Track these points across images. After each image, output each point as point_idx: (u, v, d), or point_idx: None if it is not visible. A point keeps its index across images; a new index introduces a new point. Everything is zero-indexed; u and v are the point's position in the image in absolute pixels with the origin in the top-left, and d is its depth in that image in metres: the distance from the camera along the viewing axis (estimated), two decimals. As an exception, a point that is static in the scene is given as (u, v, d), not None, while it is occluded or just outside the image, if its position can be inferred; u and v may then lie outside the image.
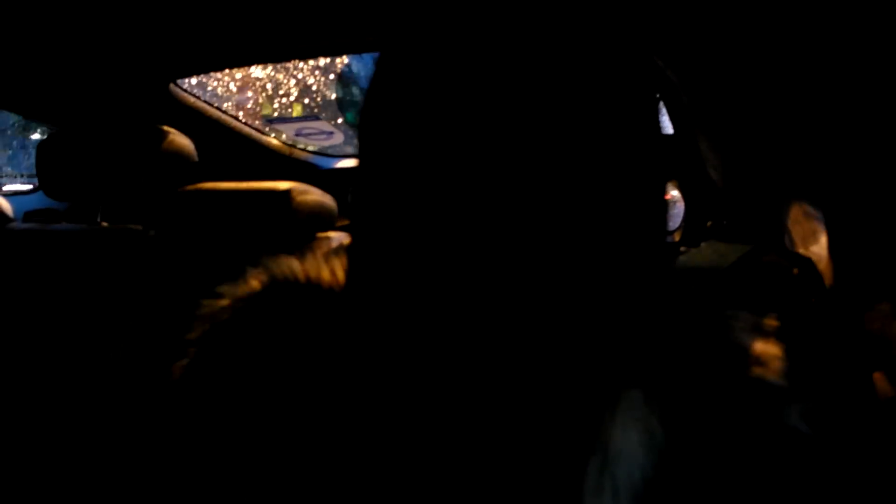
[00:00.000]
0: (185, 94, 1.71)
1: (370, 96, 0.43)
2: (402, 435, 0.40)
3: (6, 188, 3.32)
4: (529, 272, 0.37)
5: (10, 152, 5.84)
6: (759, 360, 0.41)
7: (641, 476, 0.37)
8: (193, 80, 1.88)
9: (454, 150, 0.37)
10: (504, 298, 0.38)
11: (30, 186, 2.35)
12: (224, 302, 0.49)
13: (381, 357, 0.42)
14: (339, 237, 1.22)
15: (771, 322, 0.43)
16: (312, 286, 0.48)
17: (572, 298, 0.39)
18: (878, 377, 0.61)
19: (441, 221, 0.38)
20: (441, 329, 0.40)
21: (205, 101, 1.80)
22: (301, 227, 1.20)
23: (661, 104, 1.38)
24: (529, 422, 0.39)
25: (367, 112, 0.43)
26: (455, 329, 0.40)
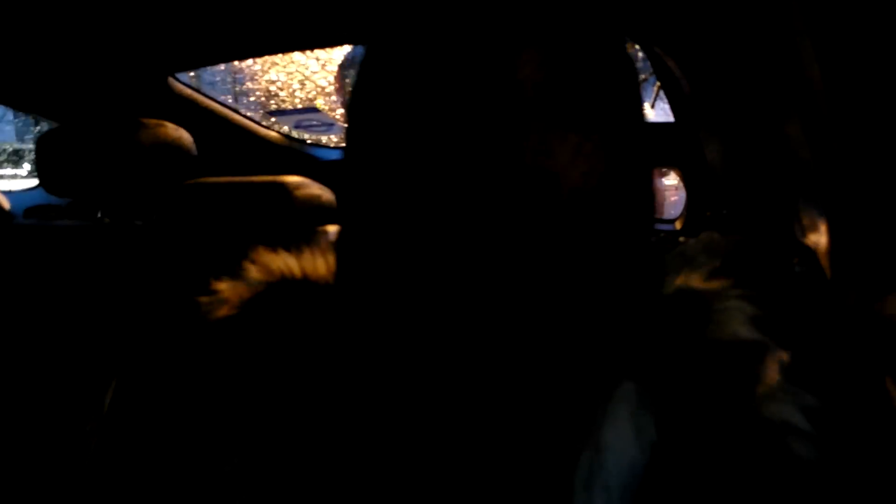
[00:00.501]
0: (184, 88, 1.71)
1: (357, 89, 0.43)
2: (395, 430, 0.40)
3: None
4: (518, 265, 0.37)
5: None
6: (755, 355, 0.40)
7: (632, 471, 0.37)
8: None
9: (441, 143, 0.37)
10: (493, 291, 0.38)
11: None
12: (223, 297, 0.49)
13: (373, 351, 0.42)
14: (337, 230, 1.21)
15: (769, 313, 0.43)
16: (310, 281, 0.49)
17: (562, 290, 0.39)
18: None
19: (428, 214, 0.38)
20: (430, 323, 0.40)
21: (203, 94, 1.80)
22: (300, 221, 1.20)
23: (663, 93, 1.37)
24: (520, 416, 0.39)
25: (353, 104, 0.43)
26: (444, 323, 0.40)
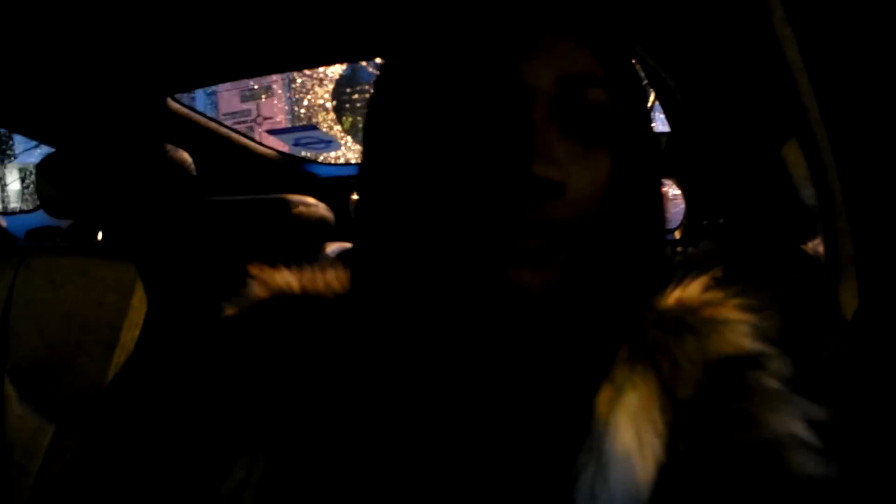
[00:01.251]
0: (182, 108, 1.72)
1: (375, 102, 0.43)
2: (396, 434, 0.40)
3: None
4: (524, 269, 0.37)
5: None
6: (759, 363, 0.40)
7: (638, 484, 0.36)
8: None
9: (452, 150, 0.38)
10: (500, 294, 0.38)
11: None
12: (225, 314, 0.50)
13: (385, 360, 0.42)
14: (336, 247, 1.22)
15: (772, 324, 0.43)
16: (308, 295, 0.49)
17: (569, 295, 0.39)
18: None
19: (439, 220, 0.38)
20: (441, 332, 0.40)
21: (201, 114, 1.80)
22: (299, 238, 1.20)
23: (658, 103, 1.38)
24: (523, 425, 0.39)
25: (371, 118, 0.44)
26: (457, 333, 0.40)
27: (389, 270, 0.42)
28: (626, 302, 0.41)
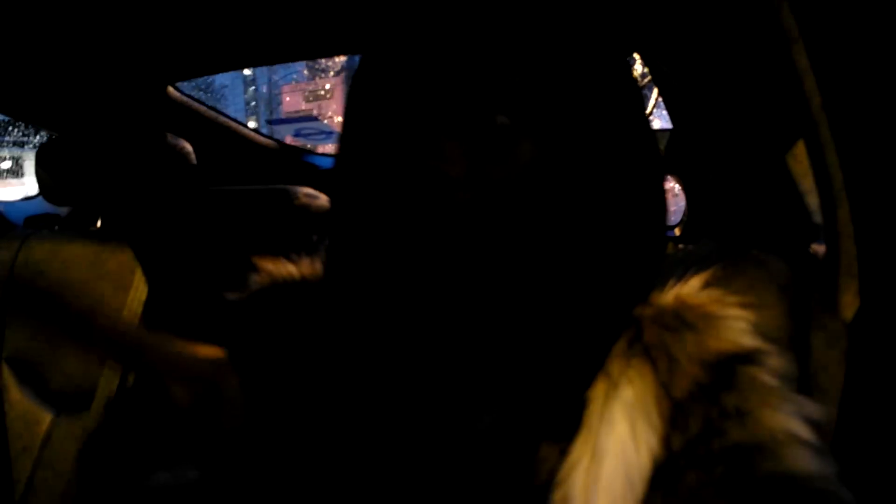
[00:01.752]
0: (183, 97, 1.71)
1: (352, 96, 0.44)
2: (380, 422, 0.41)
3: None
4: (506, 267, 0.37)
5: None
6: (756, 360, 0.40)
7: (633, 477, 0.36)
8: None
9: (436, 151, 0.38)
10: (479, 291, 0.38)
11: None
12: (228, 301, 0.51)
13: (364, 349, 0.42)
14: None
15: (771, 321, 0.43)
16: (308, 282, 0.50)
17: (556, 289, 0.39)
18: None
19: (420, 219, 0.38)
20: (420, 323, 0.40)
21: (202, 103, 1.80)
22: (301, 229, 1.20)
23: (661, 99, 1.37)
24: (507, 416, 0.39)
25: (349, 112, 0.44)
26: (435, 323, 0.40)
27: (342, 261, 0.44)
28: (620, 296, 0.41)
